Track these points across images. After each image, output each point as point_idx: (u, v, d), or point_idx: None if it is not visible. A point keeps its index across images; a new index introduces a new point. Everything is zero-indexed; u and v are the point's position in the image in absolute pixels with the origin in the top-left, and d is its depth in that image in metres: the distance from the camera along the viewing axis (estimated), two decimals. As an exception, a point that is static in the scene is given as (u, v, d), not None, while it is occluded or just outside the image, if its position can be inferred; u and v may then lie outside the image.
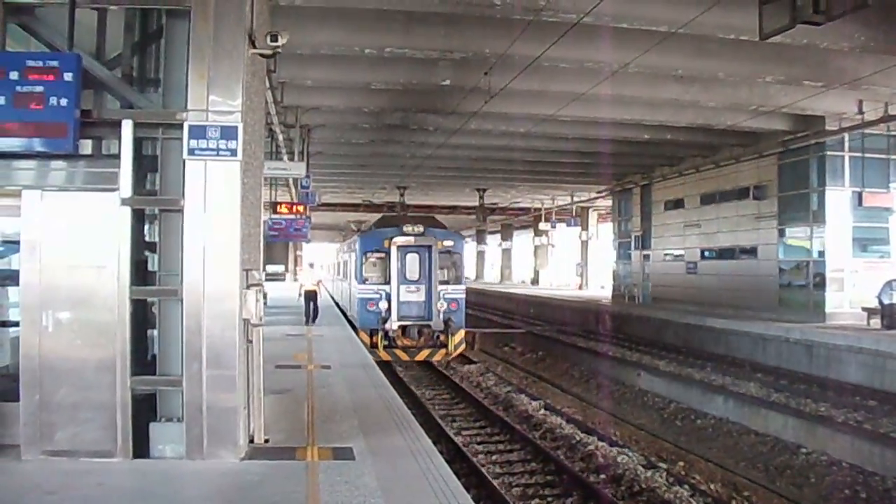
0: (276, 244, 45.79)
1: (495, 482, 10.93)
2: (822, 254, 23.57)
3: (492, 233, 70.74)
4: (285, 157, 21.77)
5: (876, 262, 23.38)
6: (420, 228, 22.32)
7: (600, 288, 46.30)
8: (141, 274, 7.86)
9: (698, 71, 17.41)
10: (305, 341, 18.63)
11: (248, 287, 7.84)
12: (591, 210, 49.96)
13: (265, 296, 9.98)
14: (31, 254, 7.37)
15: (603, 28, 14.18)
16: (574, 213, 47.31)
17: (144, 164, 7.89)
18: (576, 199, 45.29)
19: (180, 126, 7.42)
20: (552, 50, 14.15)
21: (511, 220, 58.98)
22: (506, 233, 66.78)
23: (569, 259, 55.36)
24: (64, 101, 7.00)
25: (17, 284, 7.49)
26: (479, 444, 13.76)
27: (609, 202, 41.64)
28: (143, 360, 7.87)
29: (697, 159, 29.36)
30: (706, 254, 30.03)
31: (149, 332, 8.14)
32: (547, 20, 13.39)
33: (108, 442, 7.32)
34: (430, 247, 22.06)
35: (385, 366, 19.45)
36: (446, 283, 22.35)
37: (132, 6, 8.03)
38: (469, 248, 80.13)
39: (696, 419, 16.38)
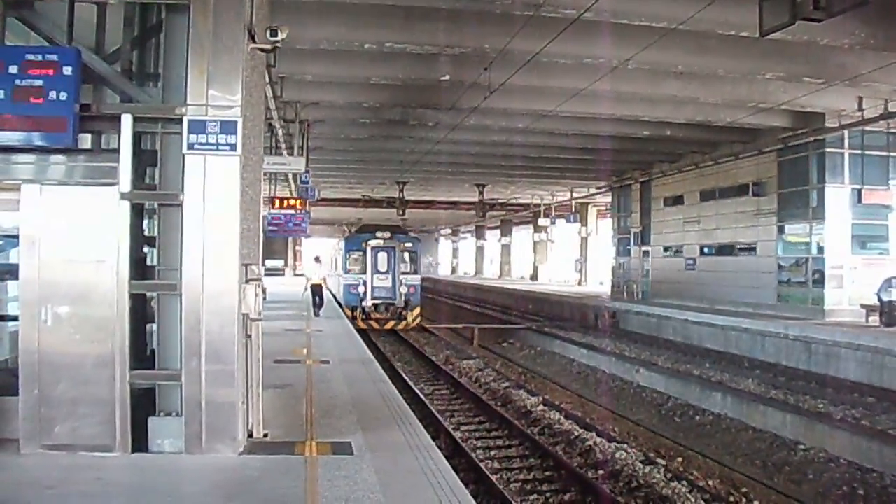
0: (275, 239, 45.90)
1: (493, 477, 10.95)
2: (821, 251, 23.61)
3: (491, 228, 70.71)
4: (285, 152, 21.77)
5: (875, 259, 23.40)
6: (388, 234, 30.38)
7: (599, 284, 46.30)
8: (140, 269, 7.87)
9: (698, 67, 17.40)
10: (304, 336, 18.63)
11: (247, 282, 7.84)
12: (590, 206, 49.95)
13: (264, 291, 9.97)
14: (30, 248, 7.36)
15: (603, 24, 14.15)
16: (573, 209, 47.25)
17: (144, 159, 7.88)
18: (575, 195, 45.26)
19: (180, 121, 7.41)
20: (552, 46, 14.16)
21: (510, 215, 58.97)
22: (505, 228, 66.78)
23: (568, 255, 55.36)
24: (63, 96, 6.99)
25: (16, 279, 7.49)
26: (477, 439, 13.77)
27: (608, 198, 41.62)
28: (142, 354, 7.88)
29: (697, 156, 29.36)
30: (705, 250, 30.05)
31: (148, 326, 8.15)
32: (546, 16, 13.38)
33: (107, 436, 7.32)
34: (394, 248, 30.07)
35: (385, 361, 19.63)
36: (407, 273, 30.23)
37: (132, 1, 8.01)
38: (468, 244, 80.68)
39: (695, 415, 16.42)
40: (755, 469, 12.57)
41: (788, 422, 14.39)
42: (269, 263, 54.58)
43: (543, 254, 57.80)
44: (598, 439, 13.34)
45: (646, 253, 34.81)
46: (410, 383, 18.07)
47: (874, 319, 21.00)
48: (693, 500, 10.37)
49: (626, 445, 12.99)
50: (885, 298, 20.52)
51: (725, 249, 28.63)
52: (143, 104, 7.69)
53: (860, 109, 20.58)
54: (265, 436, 8.29)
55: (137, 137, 7.61)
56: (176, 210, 7.53)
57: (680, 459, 12.75)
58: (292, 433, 8.57)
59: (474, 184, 42.28)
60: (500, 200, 51.41)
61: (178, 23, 7.63)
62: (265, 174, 17.86)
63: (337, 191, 47.30)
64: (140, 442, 7.43)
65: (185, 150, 7.40)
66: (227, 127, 7.41)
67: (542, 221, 48.65)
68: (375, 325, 29.53)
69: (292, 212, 25.50)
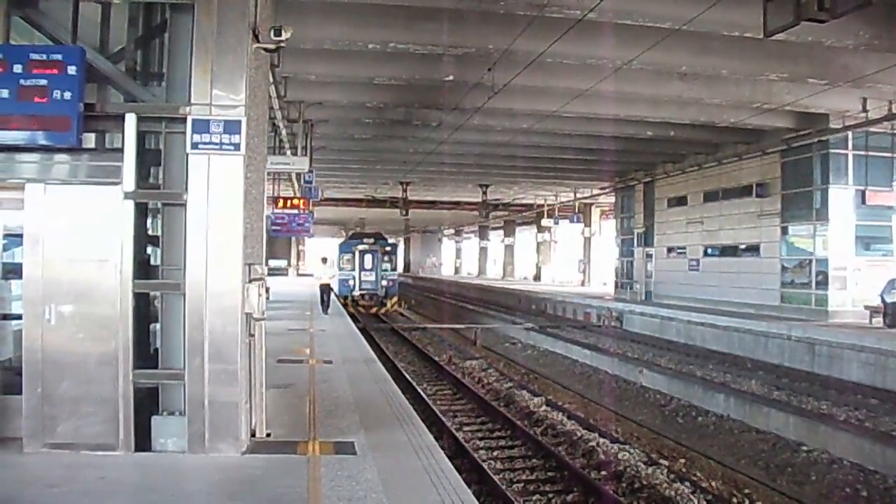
0: (278, 239, 46.17)
1: (496, 477, 10.94)
2: (824, 252, 23.54)
3: (494, 229, 70.70)
4: (288, 152, 21.82)
5: (879, 261, 23.36)
6: (372, 240, 39.21)
7: (602, 285, 46.28)
8: (143, 268, 7.87)
9: (702, 68, 17.38)
10: (307, 336, 18.64)
11: (250, 281, 7.84)
12: (593, 207, 49.93)
13: (267, 290, 9.98)
14: (34, 247, 7.38)
15: (606, 25, 14.14)
16: (577, 210, 47.24)
17: (147, 158, 7.88)
18: (578, 195, 45.28)
19: (183, 120, 7.43)
20: (555, 46, 14.16)
21: (514, 216, 58.95)
22: (508, 229, 66.75)
23: (571, 256, 55.33)
24: (67, 95, 7.00)
25: (20, 277, 7.50)
26: (480, 439, 13.77)
27: (612, 199, 41.62)
28: (145, 353, 7.88)
29: (700, 156, 29.36)
30: (709, 251, 30.02)
31: (151, 325, 8.14)
32: (550, 16, 13.38)
33: (110, 435, 7.34)
34: (377, 251, 38.33)
35: (387, 361, 19.64)
36: (386, 270, 38.42)
37: (136, 0, 8.03)
38: (471, 244, 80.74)
39: (698, 416, 16.41)
40: (758, 470, 12.54)
41: (791, 423, 14.35)
42: (273, 263, 54.99)
43: (547, 254, 57.77)
44: (602, 440, 13.33)
45: (649, 254, 34.77)
46: (413, 383, 18.06)
47: (878, 321, 20.97)
48: (696, 501, 10.36)
49: (628, 446, 12.98)
50: (888, 300, 20.49)
51: (729, 250, 28.60)
52: (147, 103, 7.70)
53: (864, 110, 20.54)
54: (268, 435, 8.29)
55: (141, 137, 7.61)
56: (179, 209, 7.54)
57: (683, 460, 12.73)
58: (295, 433, 8.57)
59: (478, 184, 42.28)
60: (503, 201, 51.41)
61: (182, 22, 7.65)
62: (269, 174, 17.88)
63: (340, 191, 47.36)
64: (143, 441, 7.45)
65: (188, 149, 7.42)
66: (231, 126, 7.42)
67: (545, 222, 48.65)
68: (362, 310, 36.85)
69: (296, 211, 25.54)
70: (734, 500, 10.71)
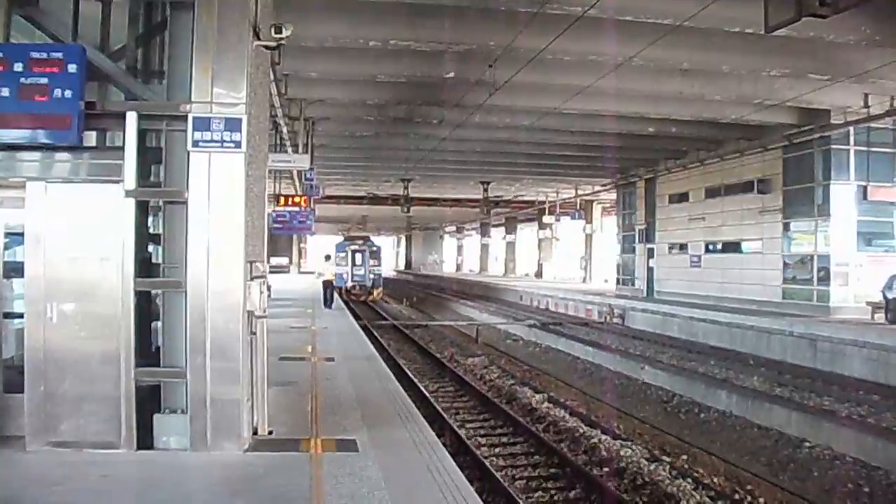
0: (280, 237, 46.53)
1: (498, 474, 10.94)
2: (826, 248, 23.51)
3: (496, 226, 70.65)
4: (290, 150, 21.82)
5: (881, 257, 23.32)
6: (361, 242, 47.24)
7: (604, 281, 46.25)
8: (145, 266, 7.88)
9: (703, 64, 17.37)
10: (309, 334, 18.65)
11: (252, 279, 7.84)
12: (595, 203, 49.84)
13: (269, 288, 9.97)
14: (35, 246, 7.38)
15: (607, 21, 14.13)
16: (578, 207, 47.19)
17: (149, 156, 7.88)
18: (580, 192, 45.24)
19: (184, 118, 7.42)
20: (556, 43, 14.15)
21: (515, 213, 58.90)
22: (510, 226, 66.64)
23: (573, 252, 55.31)
24: (68, 93, 7.00)
25: (22, 276, 7.51)
26: (482, 436, 13.77)
27: (613, 195, 41.59)
28: (147, 351, 7.89)
29: (702, 153, 29.32)
30: (710, 247, 30.00)
31: (153, 323, 8.15)
32: (551, 13, 13.38)
33: (113, 433, 7.35)
34: (365, 250, 46.14)
35: (389, 359, 19.67)
36: (373, 266, 46.17)
37: (136, -2, 8.04)
38: (473, 241, 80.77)
39: (700, 413, 16.41)
40: (760, 466, 12.54)
41: (793, 419, 14.35)
42: (274, 261, 55.59)
43: (548, 251, 57.72)
44: (604, 437, 13.34)
45: (650, 250, 34.74)
46: (415, 380, 18.07)
47: (880, 317, 20.96)
48: (698, 497, 10.36)
49: (630, 443, 12.99)
50: (890, 296, 20.48)
51: (730, 247, 28.57)
52: (147, 102, 7.69)
53: (866, 106, 20.50)
54: (270, 433, 8.30)
55: (142, 135, 7.61)
56: (181, 207, 7.55)
57: (685, 457, 12.73)
58: (297, 430, 8.58)
59: (479, 181, 42.21)
60: (504, 198, 51.41)
61: (183, 20, 7.64)
62: (270, 172, 17.88)
63: (342, 188, 47.35)
64: (145, 439, 7.45)
65: (189, 147, 7.42)
66: (232, 124, 7.42)
67: (546, 219, 48.61)
68: (354, 298, 43.25)
69: (297, 209, 25.55)
70: (736, 496, 10.70)
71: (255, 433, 8.10)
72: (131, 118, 7.40)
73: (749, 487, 11.12)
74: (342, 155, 32.16)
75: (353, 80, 19.38)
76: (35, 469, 6.86)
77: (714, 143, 28.04)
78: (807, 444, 13.49)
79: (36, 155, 7.41)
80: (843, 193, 23.31)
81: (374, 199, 50.91)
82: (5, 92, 6.96)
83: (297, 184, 30.22)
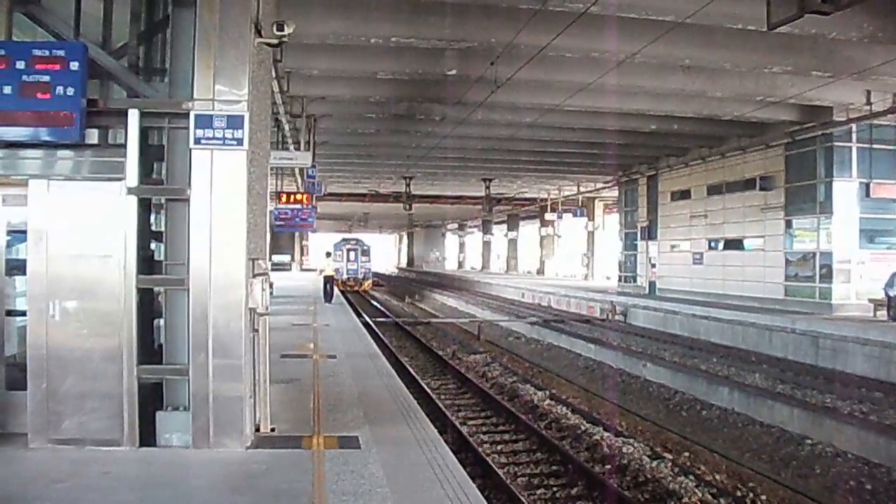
0: (282, 234, 46.49)
1: (500, 471, 10.95)
2: (828, 245, 23.48)
3: (498, 223, 70.63)
4: (291, 147, 21.81)
5: (883, 254, 23.30)
6: (355, 243, 56.48)
7: (606, 278, 46.25)
8: (147, 263, 7.88)
9: (705, 61, 17.33)
10: (311, 331, 18.67)
11: (254, 276, 7.85)
12: (597, 200, 49.86)
13: (271, 285, 9.99)
14: (37, 243, 7.39)
15: (609, 18, 14.12)
16: (580, 204, 47.20)
17: (151, 154, 7.89)
18: (582, 189, 45.24)
19: (186, 115, 7.43)
20: (558, 40, 14.14)
21: (517, 210, 58.92)
22: (512, 223, 66.64)
23: (575, 250, 55.30)
24: (70, 91, 7.02)
25: (24, 274, 7.52)
26: (484, 434, 13.78)
27: (615, 193, 41.56)
28: (149, 349, 7.90)
29: (704, 150, 29.30)
30: (712, 244, 29.98)
31: (155, 321, 8.16)
32: (553, 10, 13.35)
33: (115, 431, 7.36)
34: (357, 249, 55.53)
35: (391, 356, 19.69)
36: (364, 263, 55.65)
37: (138, -5, 8.03)
38: (475, 239, 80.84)
39: (702, 410, 16.42)
40: (762, 464, 12.55)
41: (795, 416, 14.36)
42: (276, 258, 56.35)
43: (550, 248, 57.75)
44: (606, 434, 13.35)
45: (652, 247, 34.72)
46: (417, 377, 18.08)
47: (882, 314, 20.94)
48: (700, 494, 10.37)
49: (632, 440, 12.99)
50: (892, 293, 20.45)
51: (732, 244, 28.55)
52: (149, 99, 7.70)
53: (868, 103, 20.48)
54: (272, 430, 8.32)
55: (144, 132, 7.62)
56: (183, 205, 7.56)
57: (687, 454, 12.73)
58: (299, 427, 8.60)
59: (481, 178, 42.23)
60: (506, 195, 51.42)
61: (185, 17, 7.64)
62: (272, 169, 17.88)
63: (344, 186, 47.36)
64: (148, 436, 7.47)
65: (191, 144, 7.43)
66: (234, 121, 7.43)
67: (548, 216, 48.66)
68: (347, 288, 50.41)
69: (299, 207, 25.52)
70: (738, 493, 10.70)
71: (257, 430, 8.12)
72: (133, 116, 7.41)
73: (751, 485, 11.12)
74: (344, 152, 32.17)
75: (355, 77, 19.36)
76: (37, 466, 6.87)
77: (716, 140, 28.02)
78: (809, 441, 13.50)
79: (38, 152, 7.42)
80: (845, 190, 23.28)
81: (376, 197, 51.02)
82: (7, 89, 6.97)
83: (299, 181, 30.20)
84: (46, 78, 6.99)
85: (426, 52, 16.85)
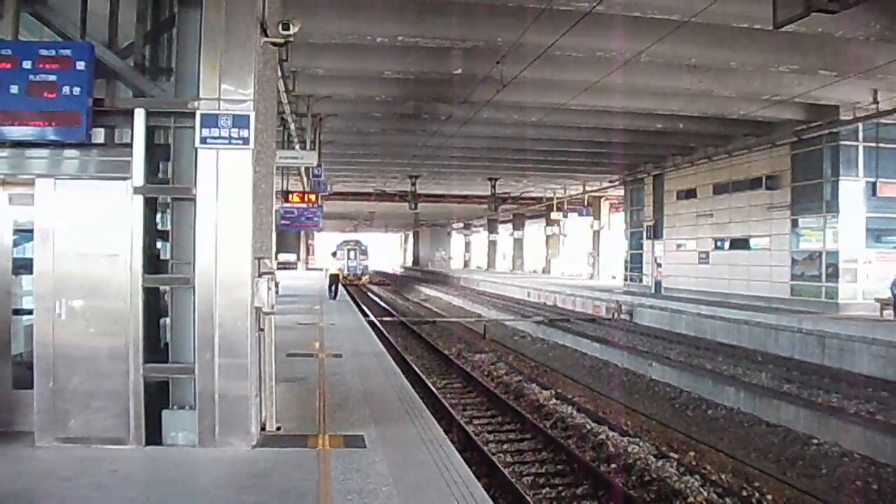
0: (287, 233, 46.53)
1: (506, 470, 10.95)
2: (835, 244, 23.43)
3: (503, 222, 70.63)
4: (297, 146, 21.80)
5: (889, 253, 23.26)
6: (354, 244, 62.75)
7: (611, 278, 46.20)
8: (153, 262, 7.91)
9: (711, 60, 17.32)
10: (317, 330, 18.70)
11: (260, 275, 7.86)
12: (603, 200, 49.86)
13: (277, 284, 9.99)
14: (44, 242, 7.41)
15: (615, 17, 14.13)
16: (586, 203, 47.16)
17: (157, 153, 7.91)
18: (588, 188, 45.19)
19: (192, 115, 7.45)
20: (564, 39, 14.12)
21: (523, 209, 58.91)
22: (518, 222, 66.64)
23: (580, 249, 55.28)
24: (77, 90, 7.03)
25: (31, 273, 7.54)
26: (490, 433, 13.77)
27: (621, 192, 41.52)
28: (155, 348, 7.92)
29: (710, 149, 29.26)
30: (718, 244, 29.93)
31: (161, 320, 8.18)
32: (559, 9, 13.36)
33: (121, 429, 7.38)
34: (356, 249, 61.45)
35: (397, 355, 19.71)
36: (363, 260, 61.67)
37: (144, -5, 8.04)
38: (480, 238, 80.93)
39: (708, 409, 16.39)
40: (768, 463, 12.53)
41: (801, 416, 14.32)
42: (282, 257, 56.01)
43: (556, 247, 57.74)
44: (611, 433, 13.34)
45: (658, 247, 34.68)
46: (423, 376, 18.09)
47: (888, 313, 20.88)
48: (706, 493, 10.35)
49: (638, 439, 12.98)
50: (898, 293, 20.42)
51: (738, 243, 28.51)
52: (155, 98, 7.71)
53: (875, 102, 20.44)
54: (278, 429, 8.33)
55: (150, 132, 7.64)
56: (189, 204, 7.57)
57: (692, 453, 12.72)
58: (305, 426, 8.60)
59: (486, 178, 42.26)
60: (512, 194, 51.39)
61: (191, 17, 7.66)
62: (277, 168, 17.88)
63: (349, 185, 47.43)
64: (154, 435, 7.49)
65: (197, 144, 7.44)
66: (240, 121, 7.44)
67: (554, 215, 48.56)
68: (348, 282, 52.96)
69: (305, 206, 25.60)
70: (744, 493, 10.69)
71: (262, 429, 8.13)
72: (139, 115, 7.43)
73: (757, 484, 11.10)
74: (350, 151, 32.20)
75: (361, 77, 19.39)
76: (44, 464, 6.89)
77: (722, 140, 27.97)
78: (815, 440, 13.47)
79: (44, 152, 7.43)
80: (851, 190, 23.23)
81: (382, 196, 51.02)
82: (14, 89, 6.99)
83: (305, 180, 30.23)
84: (53, 77, 7.01)
85: (432, 52, 16.87)
